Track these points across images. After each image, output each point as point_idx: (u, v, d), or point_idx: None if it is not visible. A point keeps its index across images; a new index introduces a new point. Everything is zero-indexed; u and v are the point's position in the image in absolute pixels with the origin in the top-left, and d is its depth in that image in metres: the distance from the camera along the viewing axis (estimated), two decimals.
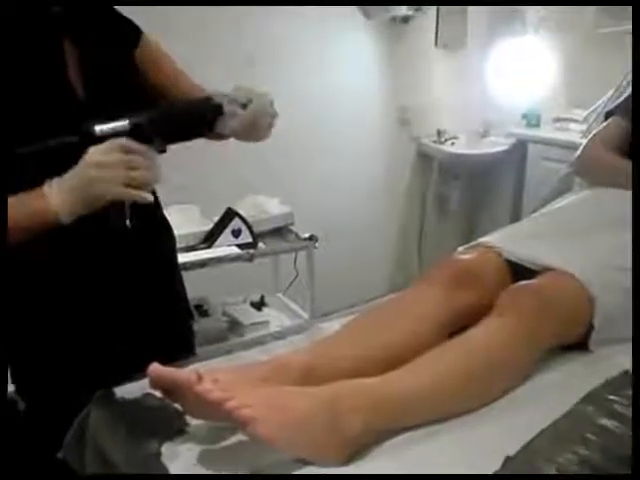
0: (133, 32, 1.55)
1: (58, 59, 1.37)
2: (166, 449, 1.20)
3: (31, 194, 1.23)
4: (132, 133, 1.24)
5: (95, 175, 1.19)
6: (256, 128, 1.48)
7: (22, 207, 1.23)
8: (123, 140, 1.22)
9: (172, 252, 1.72)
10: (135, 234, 1.50)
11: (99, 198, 1.21)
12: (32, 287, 1.48)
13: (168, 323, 1.64)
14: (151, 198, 1.26)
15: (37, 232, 1.25)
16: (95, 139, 1.23)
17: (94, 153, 1.20)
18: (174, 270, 1.72)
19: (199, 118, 1.39)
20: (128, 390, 1.39)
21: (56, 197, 1.21)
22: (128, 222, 1.37)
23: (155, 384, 1.20)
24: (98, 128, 1.23)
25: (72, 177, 1.21)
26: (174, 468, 1.15)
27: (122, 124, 1.25)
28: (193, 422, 1.26)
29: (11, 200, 1.22)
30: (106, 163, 1.20)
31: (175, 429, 1.25)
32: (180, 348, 1.66)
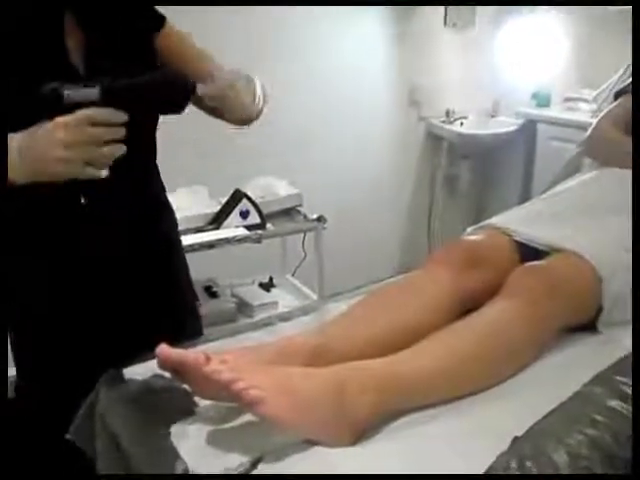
0: (155, 19, 1.52)
1: (58, 37, 1.34)
2: (175, 429, 1.21)
3: None
4: (102, 101, 1.17)
5: (59, 156, 1.14)
6: (227, 104, 1.42)
7: None
8: (91, 112, 1.15)
9: (174, 234, 1.72)
10: (136, 217, 1.51)
11: (57, 176, 1.17)
12: (35, 271, 1.49)
13: (171, 305, 1.65)
14: (106, 174, 1.18)
15: None
16: (63, 104, 1.15)
17: (61, 129, 1.13)
18: (175, 252, 1.72)
19: (171, 92, 1.28)
20: (136, 371, 1.40)
21: (13, 161, 1.17)
22: (82, 199, 1.39)
23: (163, 365, 1.20)
24: (67, 93, 1.15)
25: (35, 149, 1.16)
26: (183, 448, 1.15)
27: (93, 91, 1.17)
28: (202, 403, 1.26)
29: None
30: (72, 142, 1.14)
31: (184, 410, 1.25)
32: (185, 330, 1.67)
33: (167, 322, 1.60)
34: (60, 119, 1.14)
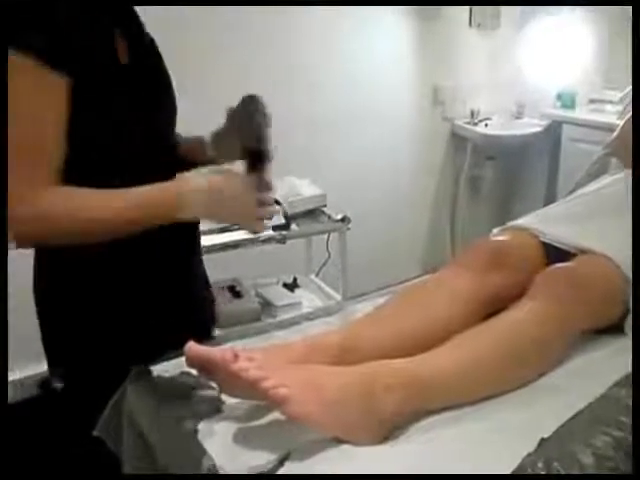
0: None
1: (111, 44, 1.37)
2: (202, 427, 1.21)
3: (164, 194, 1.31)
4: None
5: (247, 212, 1.40)
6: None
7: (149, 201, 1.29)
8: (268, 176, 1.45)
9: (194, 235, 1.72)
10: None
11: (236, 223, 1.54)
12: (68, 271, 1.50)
13: (187, 306, 1.64)
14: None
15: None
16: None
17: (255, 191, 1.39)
18: (195, 254, 1.72)
19: None
20: (164, 368, 1.41)
21: (193, 206, 1.31)
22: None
23: (191, 362, 1.21)
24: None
25: (237, 207, 1.39)
26: (210, 446, 1.16)
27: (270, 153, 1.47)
28: (229, 400, 1.27)
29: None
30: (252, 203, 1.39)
31: (211, 407, 1.26)
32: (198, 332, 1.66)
33: (179, 324, 1.60)
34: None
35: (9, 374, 2.64)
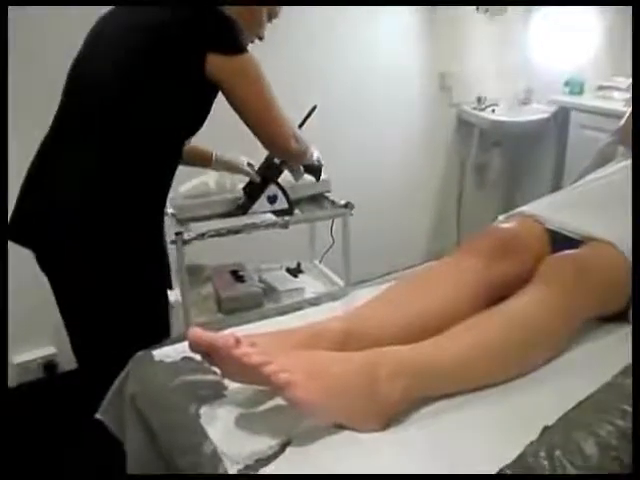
0: None
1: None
2: (205, 412, 1.22)
3: None
4: None
5: None
6: None
7: None
8: None
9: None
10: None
11: None
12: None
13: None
14: None
15: None
16: None
17: None
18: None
19: None
20: (167, 353, 1.41)
21: None
22: None
23: (194, 347, 1.21)
24: None
25: None
26: (212, 431, 1.16)
27: None
28: (231, 386, 1.27)
29: None
30: None
31: (213, 392, 1.26)
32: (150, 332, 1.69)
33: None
34: None
35: (14, 357, 2.66)
